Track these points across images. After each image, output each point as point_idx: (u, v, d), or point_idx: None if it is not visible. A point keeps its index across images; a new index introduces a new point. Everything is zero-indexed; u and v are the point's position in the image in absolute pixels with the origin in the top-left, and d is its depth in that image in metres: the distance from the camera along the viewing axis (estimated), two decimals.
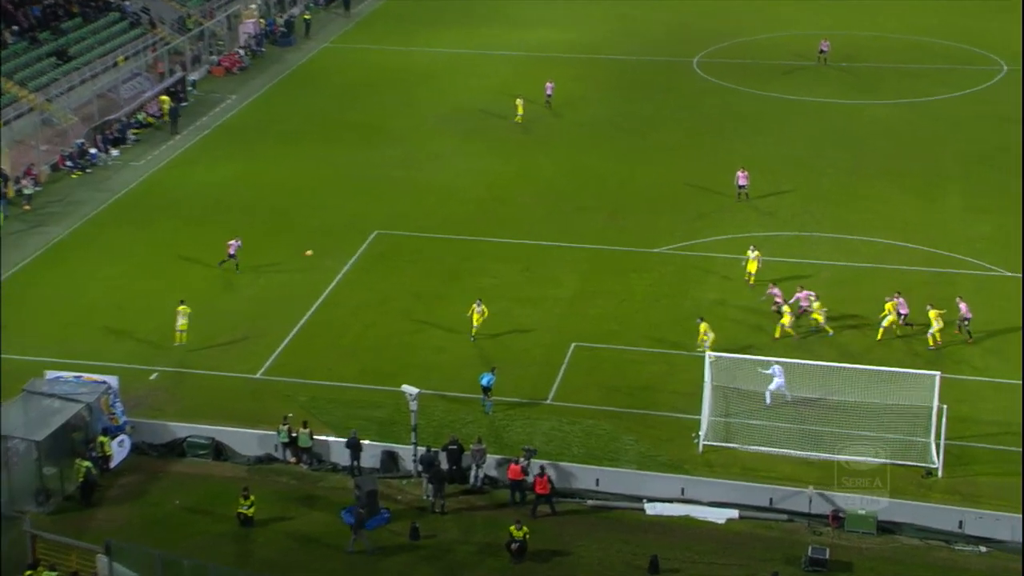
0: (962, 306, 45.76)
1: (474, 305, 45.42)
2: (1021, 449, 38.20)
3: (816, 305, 46.08)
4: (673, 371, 43.64)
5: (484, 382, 41.43)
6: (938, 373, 38.34)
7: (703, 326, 44.50)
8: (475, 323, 45.10)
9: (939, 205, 58.52)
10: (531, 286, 50.37)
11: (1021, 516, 34.87)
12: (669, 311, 47.82)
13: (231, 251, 51.56)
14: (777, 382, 40.43)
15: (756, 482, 37.29)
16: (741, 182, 58.07)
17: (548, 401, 41.99)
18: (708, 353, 39.99)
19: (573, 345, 45.45)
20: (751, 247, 49.96)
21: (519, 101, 69.17)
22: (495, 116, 70.31)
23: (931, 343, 44.81)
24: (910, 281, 49.60)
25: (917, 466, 37.66)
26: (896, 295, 45.76)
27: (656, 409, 41.42)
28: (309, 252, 52.53)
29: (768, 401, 40.31)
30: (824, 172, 62.40)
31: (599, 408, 41.40)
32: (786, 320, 45.18)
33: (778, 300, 46.53)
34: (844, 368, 40.32)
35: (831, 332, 45.41)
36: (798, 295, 46.53)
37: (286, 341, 45.97)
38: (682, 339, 45.21)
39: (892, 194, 59.69)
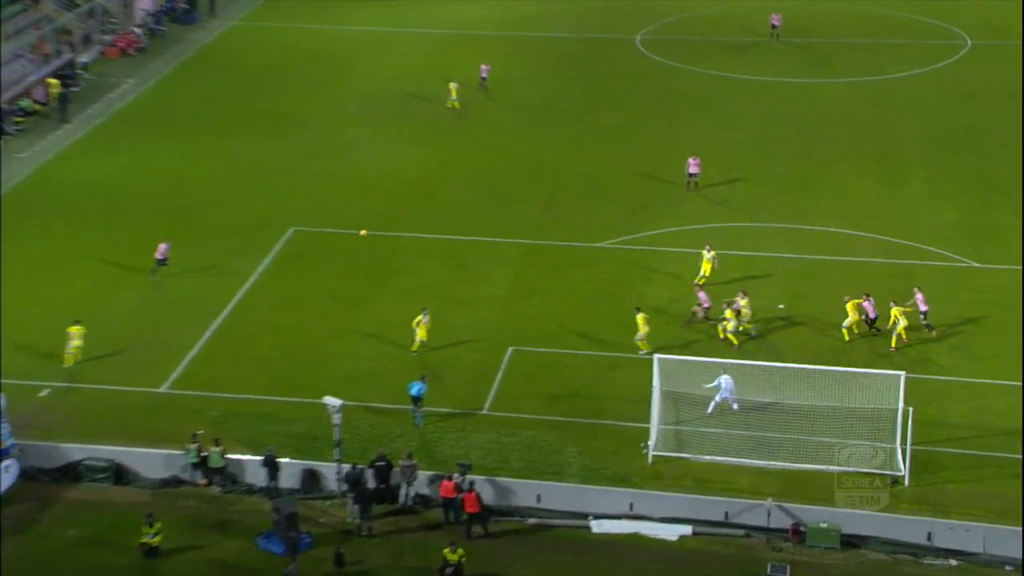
0: (918, 296, 46.36)
1: (420, 316, 44.98)
2: (1021, 455, 38.85)
3: (743, 303, 46.11)
4: (619, 376, 43.77)
5: (414, 392, 41.19)
6: (903, 373, 38.70)
7: (640, 317, 44.72)
8: (420, 337, 44.70)
9: (901, 191, 59.32)
10: (462, 285, 50.24)
11: (1022, 530, 35.45)
12: (613, 311, 47.88)
13: (159, 255, 50.62)
14: (722, 394, 40.77)
15: (710, 495, 37.38)
16: (692, 170, 58.28)
17: (484, 411, 41.91)
18: (656, 356, 40.11)
19: (510, 349, 45.39)
20: (707, 246, 50.07)
21: (453, 85, 68.89)
22: (420, 99, 70.07)
23: (894, 344, 45.34)
24: (871, 273, 50.22)
25: (882, 474, 37.90)
26: (865, 296, 45.90)
27: (601, 417, 41.53)
28: (364, 232, 52.03)
29: (710, 410, 40.73)
30: (777, 157, 63.04)
31: (539, 417, 41.40)
32: (729, 325, 45.49)
33: (704, 305, 46.57)
34: (803, 369, 40.71)
35: (754, 332, 45.73)
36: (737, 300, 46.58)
37: (194, 351, 45.43)
38: (627, 341, 45.36)
39: (850, 179, 60.41)
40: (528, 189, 59.14)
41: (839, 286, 48.54)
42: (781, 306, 48.39)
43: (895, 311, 45.58)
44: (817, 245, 53.66)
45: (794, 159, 62.85)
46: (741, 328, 45.68)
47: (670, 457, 39.17)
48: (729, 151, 63.09)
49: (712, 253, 49.74)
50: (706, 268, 49.47)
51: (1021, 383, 42.50)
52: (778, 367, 41.16)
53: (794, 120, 67.94)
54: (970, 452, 39.43)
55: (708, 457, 39.02)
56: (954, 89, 71.99)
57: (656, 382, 39.46)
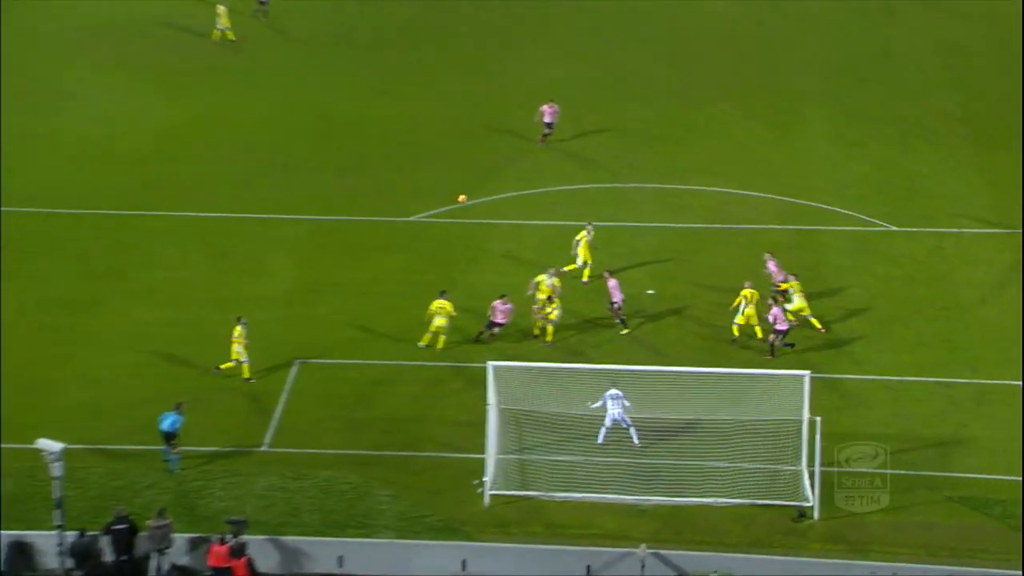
0: (770, 265, 47.10)
1: (238, 327, 44.37)
2: (1021, 476, 39.45)
3: (541, 296, 46.25)
4: (443, 392, 43.58)
5: (166, 426, 40.25)
6: (807, 373, 39.08)
7: (437, 304, 44.90)
8: (236, 356, 44.00)
9: (798, 137, 60.25)
10: (229, 280, 49.70)
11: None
12: (426, 304, 46.84)
13: None
14: (612, 416, 40.57)
15: (568, 544, 37.48)
16: (547, 119, 58.63)
17: (263, 447, 41.46)
18: (490, 364, 39.74)
19: (296, 363, 44.90)
20: (588, 226, 49.40)
21: (221, 9, 68.34)
22: (172, 29, 69.00)
23: (816, 326, 46.02)
24: (762, 244, 50.62)
25: (785, 505, 38.38)
26: (772, 301, 45.36)
27: (422, 448, 41.18)
28: (463, 197, 51.52)
29: (600, 439, 40.68)
30: (642, 98, 63.50)
31: (339, 452, 40.91)
32: (552, 315, 45.70)
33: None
34: (679, 373, 40.80)
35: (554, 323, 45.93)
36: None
37: None
38: (454, 345, 45.07)
39: (734, 124, 61.19)
40: (317, 149, 58.83)
41: (723, 262, 48.95)
42: (651, 291, 48.50)
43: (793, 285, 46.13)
44: (694, 210, 54.12)
45: (663, 100, 63.38)
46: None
47: (513, 496, 39.00)
48: (580, 93, 63.20)
49: (591, 235, 49.14)
50: (585, 253, 48.93)
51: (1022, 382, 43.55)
52: (646, 372, 41.19)
53: (661, 49, 68.58)
54: (894, 472, 39.58)
55: (563, 494, 38.93)
56: (859, 3, 73.28)
57: (491, 398, 39.12)
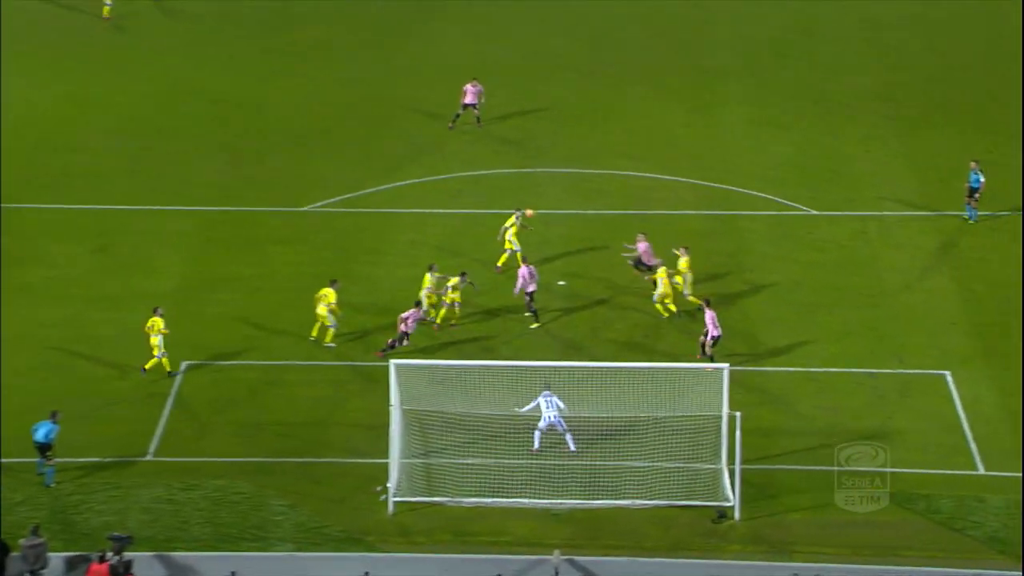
0: (640, 246, 47.39)
1: (156, 317, 44.13)
2: (1022, 475, 39.76)
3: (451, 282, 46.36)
4: (344, 394, 43.48)
5: (40, 437, 39.57)
6: (726, 365, 39.30)
7: (322, 292, 44.78)
8: (155, 344, 43.95)
9: (715, 118, 60.70)
10: (111, 276, 49.33)
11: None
12: (353, 302, 47.03)
13: None
14: (548, 420, 40.46)
15: (477, 552, 37.43)
16: (468, 99, 58.66)
17: (148, 456, 41.08)
18: (393, 362, 39.56)
19: (184, 364, 44.60)
20: (517, 213, 49.30)
21: None
22: (46, 2, 68.82)
23: (663, 312, 46.39)
24: (679, 231, 50.81)
25: (705, 506, 38.58)
26: (705, 303, 44.58)
27: (322, 454, 41.01)
28: (530, 212, 49.70)
29: (536, 445, 40.58)
30: (552, 77, 63.76)
31: (231, 460, 40.64)
32: (442, 312, 45.91)
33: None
34: (591, 368, 40.94)
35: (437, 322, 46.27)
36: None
37: None
38: (353, 343, 45.22)
39: (650, 105, 61.43)
40: (206, 135, 58.59)
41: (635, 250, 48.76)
42: (561, 283, 48.49)
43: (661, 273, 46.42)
44: (608, 196, 54.32)
45: (575, 80, 63.64)
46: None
47: (419, 503, 38.95)
48: (487, 72, 62.78)
49: (523, 216, 49.10)
50: (512, 245, 48.88)
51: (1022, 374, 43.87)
52: (557, 367, 41.09)
53: (571, 26, 68.64)
54: (819, 467, 39.99)
55: (472, 500, 38.94)
56: None
57: (394, 398, 39.00)
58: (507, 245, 49.05)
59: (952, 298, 47.87)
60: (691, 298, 46.66)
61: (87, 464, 40.33)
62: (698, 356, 44.08)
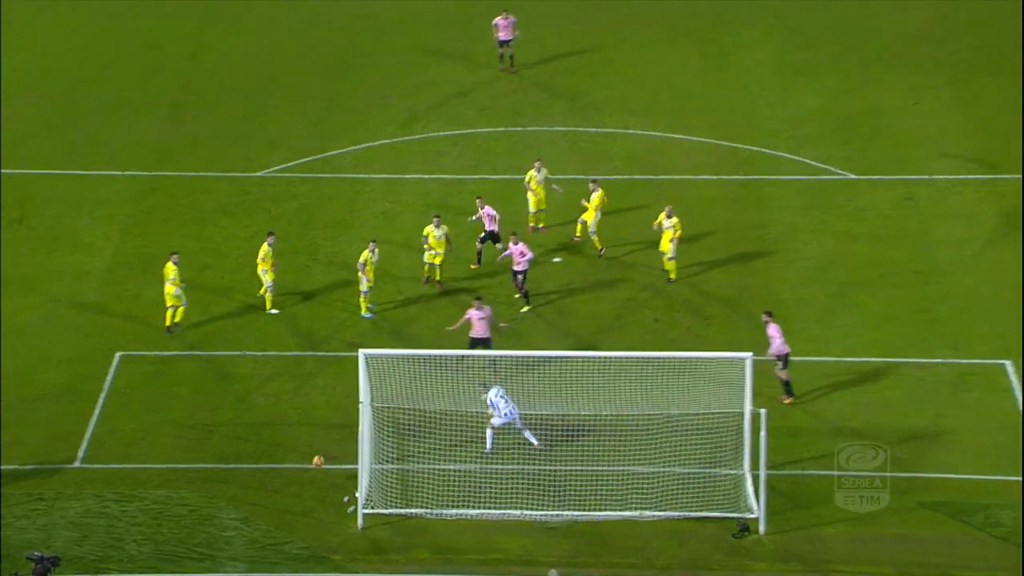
0: (484, 211, 47.97)
1: (171, 264, 45.03)
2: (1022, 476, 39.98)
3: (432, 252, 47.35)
4: (303, 387, 43.73)
5: None
6: (749, 355, 39.27)
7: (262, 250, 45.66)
8: (173, 301, 44.95)
9: (734, 65, 60.76)
10: (31, 254, 49.45)
11: None
12: (291, 277, 47.55)
13: None
14: (503, 417, 40.70)
15: (461, 571, 37.68)
16: (503, 35, 59.07)
17: (76, 464, 41.17)
18: (362, 352, 39.66)
19: (118, 356, 44.81)
20: (537, 164, 49.91)
21: None
22: None
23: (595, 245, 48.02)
24: (693, 199, 51.05)
25: (725, 518, 38.66)
26: (767, 316, 43.82)
27: (281, 459, 41.18)
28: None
29: (489, 446, 40.82)
30: (544, 20, 63.62)
31: (174, 467, 40.80)
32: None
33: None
34: (597, 358, 41.08)
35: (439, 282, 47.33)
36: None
37: None
38: (318, 327, 45.51)
39: (657, 52, 61.48)
40: (139, 87, 58.77)
41: (646, 222, 48.89)
42: (557, 259, 48.80)
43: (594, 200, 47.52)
44: (611, 158, 54.53)
45: (571, 25, 63.70)
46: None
47: (393, 515, 39.07)
48: (468, 16, 63.51)
49: (543, 172, 49.81)
50: (538, 198, 49.60)
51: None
52: (554, 357, 41.37)
53: None
54: (856, 473, 39.92)
55: (454, 511, 39.12)
56: None
57: (364, 394, 39.11)
58: (537, 202, 49.74)
59: (1014, 276, 47.81)
60: (595, 239, 48.36)
61: (4, 472, 40.37)
62: (784, 399, 42.67)
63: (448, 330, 43.73)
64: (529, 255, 46.23)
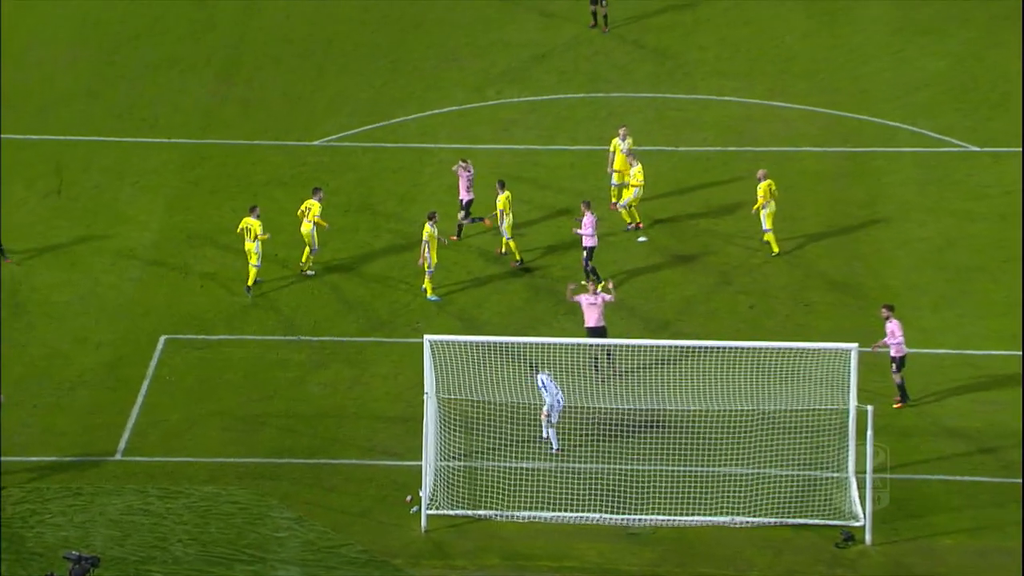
0: (462, 176, 48.53)
1: (252, 218, 45.98)
2: (1021, 477, 39.91)
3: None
4: (363, 376, 43.94)
5: None
6: (855, 346, 39.30)
7: (308, 206, 46.37)
8: (251, 250, 45.98)
9: (846, 27, 60.41)
10: (69, 226, 49.83)
11: None
12: (350, 256, 47.95)
13: None
14: (551, 394, 41.00)
15: None
16: None
17: (117, 456, 41.53)
18: (427, 337, 39.74)
19: (162, 339, 45.23)
20: (621, 130, 50.28)
21: None
22: None
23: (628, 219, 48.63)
24: (794, 172, 51.29)
25: (826, 526, 38.69)
26: (887, 311, 43.74)
27: (337, 454, 41.47)
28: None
29: (555, 445, 41.06)
30: None
31: (222, 461, 41.17)
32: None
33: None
34: (685, 347, 41.17)
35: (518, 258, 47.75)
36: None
37: None
38: (379, 310, 45.75)
39: (759, 7, 61.31)
40: (187, 47, 59.04)
41: (742, 198, 49.27)
42: (642, 239, 49.06)
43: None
44: (702, 127, 54.71)
45: None
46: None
47: (459, 517, 39.33)
48: None
49: (627, 142, 50.07)
50: (621, 168, 49.90)
51: None
52: (634, 346, 41.65)
53: None
54: (977, 478, 40.33)
55: (526, 514, 39.29)
56: None
57: (429, 385, 39.38)
58: (620, 175, 49.96)
59: None
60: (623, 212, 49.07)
61: (39, 465, 40.84)
62: (897, 403, 42.78)
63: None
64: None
